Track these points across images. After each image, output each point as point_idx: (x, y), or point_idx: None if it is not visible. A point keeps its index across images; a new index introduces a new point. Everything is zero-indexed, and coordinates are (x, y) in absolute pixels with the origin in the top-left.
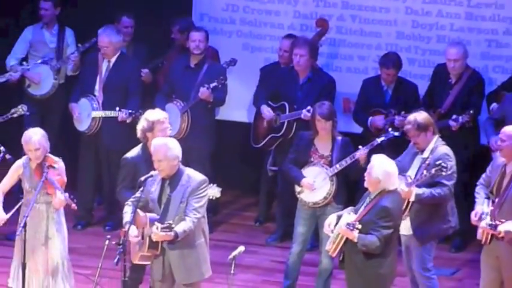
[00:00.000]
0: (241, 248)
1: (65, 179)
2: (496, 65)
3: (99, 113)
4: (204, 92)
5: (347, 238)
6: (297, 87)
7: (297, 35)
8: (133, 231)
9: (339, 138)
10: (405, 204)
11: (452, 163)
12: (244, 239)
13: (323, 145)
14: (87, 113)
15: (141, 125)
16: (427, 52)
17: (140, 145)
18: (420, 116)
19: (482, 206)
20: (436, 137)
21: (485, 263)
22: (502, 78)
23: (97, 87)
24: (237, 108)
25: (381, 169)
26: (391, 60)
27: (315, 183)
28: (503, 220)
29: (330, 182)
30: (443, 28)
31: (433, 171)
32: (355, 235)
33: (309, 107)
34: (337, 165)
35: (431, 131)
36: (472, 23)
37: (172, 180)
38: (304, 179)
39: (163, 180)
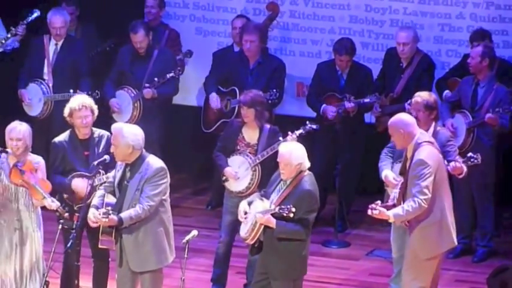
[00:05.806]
0: (195, 232)
1: (48, 181)
2: (449, 49)
3: (53, 97)
4: (148, 93)
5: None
6: (247, 72)
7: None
8: (93, 213)
9: (267, 127)
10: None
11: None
12: (197, 223)
13: (250, 133)
14: (38, 98)
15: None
16: (380, 36)
17: (70, 129)
18: (431, 96)
19: (392, 193)
20: (436, 123)
21: None
22: (455, 62)
23: (45, 70)
24: (190, 93)
25: (299, 153)
26: (344, 46)
27: (239, 173)
28: (378, 202)
29: (252, 172)
30: (397, 12)
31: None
32: (274, 223)
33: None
34: (259, 156)
35: (434, 115)
36: (425, 7)
37: (132, 166)
38: (227, 168)
39: (126, 165)
